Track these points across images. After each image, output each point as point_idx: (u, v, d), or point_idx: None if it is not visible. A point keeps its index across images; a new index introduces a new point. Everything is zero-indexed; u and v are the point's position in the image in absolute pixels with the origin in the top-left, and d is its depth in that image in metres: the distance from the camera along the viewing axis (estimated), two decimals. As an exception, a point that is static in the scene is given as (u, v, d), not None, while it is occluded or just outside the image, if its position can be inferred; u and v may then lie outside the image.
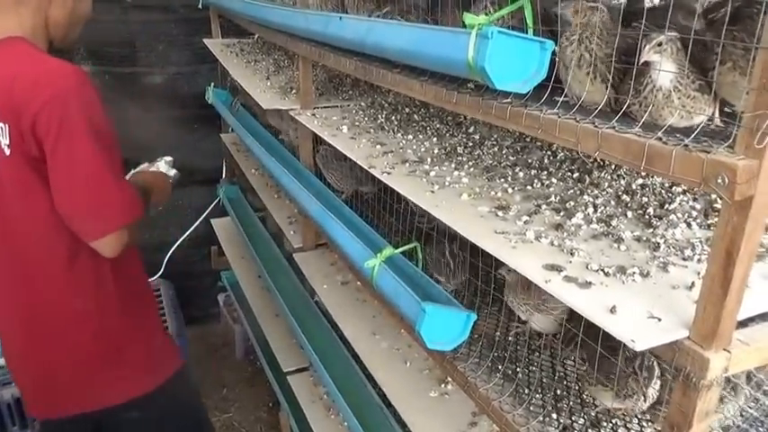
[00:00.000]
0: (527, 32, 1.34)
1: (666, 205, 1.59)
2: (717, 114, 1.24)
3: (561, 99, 1.28)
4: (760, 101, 0.85)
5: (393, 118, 2.53)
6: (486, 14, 1.47)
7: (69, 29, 1.80)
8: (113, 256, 1.68)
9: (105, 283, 1.78)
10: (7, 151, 1.52)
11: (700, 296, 1.01)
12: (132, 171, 2.23)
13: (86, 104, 1.53)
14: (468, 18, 1.20)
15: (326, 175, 2.76)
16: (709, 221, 1.50)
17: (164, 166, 2.29)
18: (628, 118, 1.18)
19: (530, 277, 1.24)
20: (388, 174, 1.87)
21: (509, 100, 1.32)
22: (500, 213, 1.56)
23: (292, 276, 3.22)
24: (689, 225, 1.48)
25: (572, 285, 1.20)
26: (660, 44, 1.17)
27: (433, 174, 1.86)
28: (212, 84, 4.15)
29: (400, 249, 1.89)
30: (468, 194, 1.69)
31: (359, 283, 2.50)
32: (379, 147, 2.14)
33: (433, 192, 1.72)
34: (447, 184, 1.78)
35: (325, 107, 2.77)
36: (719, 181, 0.88)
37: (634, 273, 1.23)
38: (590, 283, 1.21)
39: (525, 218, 1.52)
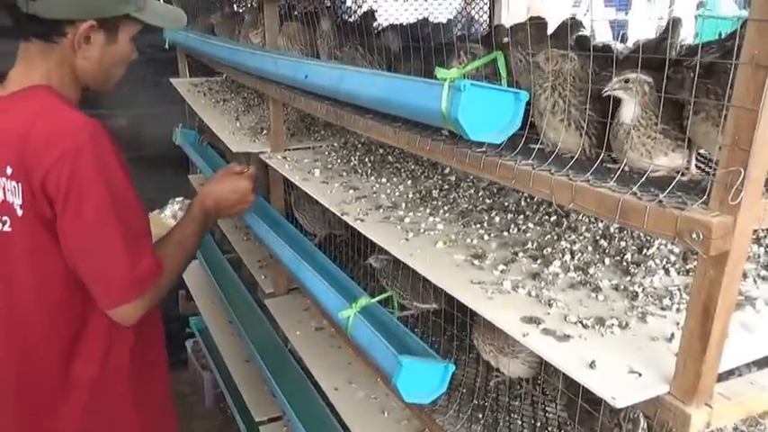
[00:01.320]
0: (501, 83, 1.34)
1: (645, 250, 1.59)
2: (693, 163, 1.25)
3: (537, 147, 1.27)
4: (732, 157, 0.85)
5: (367, 159, 2.51)
6: (460, 63, 1.47)
7: (102, 75, 1.67)
8: (130, 325, 1.57)
9: (117, 353, 1.66)
10: (20, 212, 1.44)
11: (679, 351, 0.99)
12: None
13: (99, 161, 1.44)
14: (441, 72, 1.19)
15: (299, 218, 2.72)
16: (687, 266, 1.50)
17: (172, 210, 2.22)
18: (605, 167, 1.18)
19: (507, 331, 1.22)
20: (362, 221, 1.85)
21: (483, 148, 1.32)
22: (476, 262, 1.54)
23: (264, 322, 3.14)
24: (667, 271, 1.47)
25: (550, 339, 1.18)
26: (627, 81, 1.19)
27: (407, 220, 1.84)
28: (180, 125, 4.11)
29: (376, 299, 1.85)
30: (443, 242, 1.66)
31: (333, 329, 2.45)
32: (352, 192, 2.11)
33: (407, 239, 1.69)
34: (422, 230, 1.75)
35: (296, 149, 2.75)
36: (694, 236, 0.88)
37: (613, 324, 1.21)
38: (568, 336, 1.18)
39: (502, 267, 1.50)
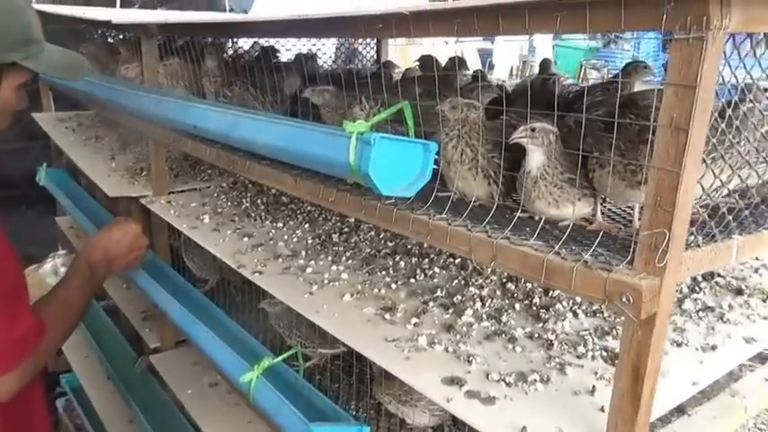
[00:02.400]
0: (408, 134, 1.29)
1: (551, 291, 1.59)
2: (599, 211, 1.26)
3: (450, 198, 1.23)
4: (656, 218, 0.84)
5: (259, 201, 2.38)
6: (362, 110, 1.41)
7: None
8: (4, 401, 1.35)
9: None
10: None
11: (610, 413, 0.97)
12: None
13: None
14: (349, 126, 1.12)
15: (188, 263, 2.53)
16: (594, 308, 1.51)
17: (53, 266, 1.94)
18: (518, 218, 1.16)
19: (430, 396, 1.15)
20: (260, 273, 1.73)
21: (393, 200, 1.26)
22: (387, 316, 1.47)
23: (149, 378, 2.88)
24: (575, 314, 1.48)
25: (475, 402, 1.12)
26: (533, 129, 1.18)
27: (309, 270, 1.74)
28: (45, 163, 3.73)
29: (280, 357, 1.73)
30: (350, 294, 1.58)
31: (229, 385, 2.27)
32: (246, 239, 1.98)
33: (311, 293, 1.59)
34: (326, 282, 1.66)
35: (181, 191, 2.57)
36: (624, 300, 0.86)
37: (535, 380, 1.19)
38: (493, 397, 1.14)
39: (414, 319, 1.44)
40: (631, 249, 0.90)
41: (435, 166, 1.28)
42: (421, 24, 1.09)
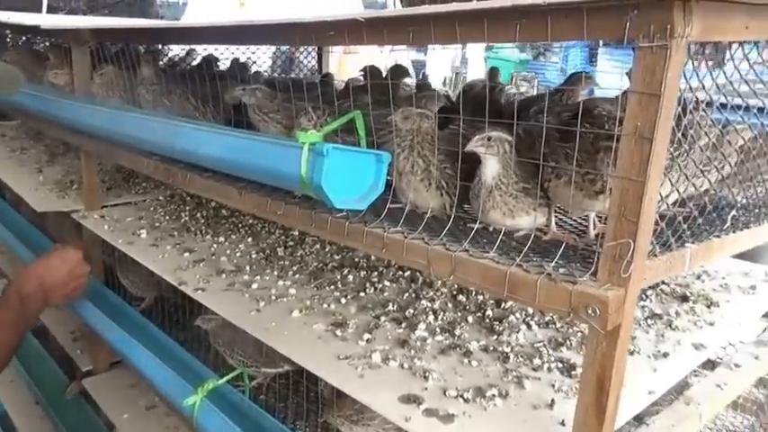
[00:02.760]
0: (359, 145, 1.25)
1: (503, 303, 1.58)
2: (553, 221, 1.25)
3: (404, 211, 1.20)
4: (620, 229, 0.83)
5: (199, 215, 2.29)
6: (310, 121, 1.36)
7: None
8: None
9: None
10: None
11: (574, 426, 0.95)
12: None
13: None
14: (301, 136, 1.07)
15: (122, 281, 2.40)
16: (546, 319, 1.50)
17: None
18: (470, 228, 1.13)
19: (388, 416, 1.11)
20: (203, 291, 1.64)
21: (345, 213, 1.21)
22: (339, 332, 1.41)
23: (82, 402, 2.71)
24: (528, 326, 1.47)
25: (434, 421, 1.09)
26: (489, 138, 1.16)
27: (255, 286, 1.66)
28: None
29: (225, 378, 1.64)
30: (299, 310, 1.52)
31: (168, 407, 2.16)
32: (187, 254, 1.89)
33: (258, 310, 1.53)
34: (273, 298, 1.60)
35: (115, 205, 2.44)
36: (590, 312, 0.84)
37: (493, 395, 1.16)
38: (452, 415, 1.10)
39: (367, 335, 1.39)
40: (594, 260, 0.88)
41: (388, 177, 1.25)
42: (375, 32, 1.05)
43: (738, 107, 1.20)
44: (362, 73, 1.96)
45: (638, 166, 0.80)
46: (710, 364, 1.47)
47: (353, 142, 1.31)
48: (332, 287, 1.68)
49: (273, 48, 3.26)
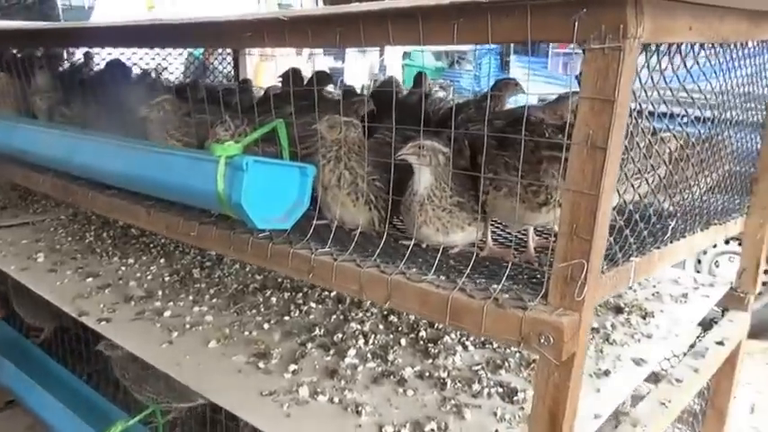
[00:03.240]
0: (282, 156, 1.13)
1: (436, 323, 1.49)
2: (489, 236, 1.17)
3: (332, 228, 1.09)
4: (571, 248, 0.76)
5: (105, 234, 2.09)
6: (226, 131, 1.23)
7: None
8: None
9: None
10: None
11: (525, 465, 0.87)
12: None
13: None
14: (217, 149, 0.94)
15: (17, 310, 2.16)
16: (482, 339, 1.43)
17: None
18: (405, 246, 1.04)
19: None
20: (108, 321, 1.47)
21: (267, 233, 1.09)
22: (261, 364, 1.28)
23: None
24: (464, 346, 1.38)
25: (372, 463, 0.98)
26: (421, 147, 1.08)
27: (167, 314, 1.51)
28: None
29: (135, 419, 1.47)
30: (217, 340, 1.38)
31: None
32: (90, 280, 1.70)
33: (171, 342, 1.37)
34: (188, 327, 1.44)
35: (10, 225, 2.19)
36: (543, 341, 0.76)
37: (433, 430, 1.06)
38: (391, 455, 1.00)
39: (292, 366, 1.27)
40: (544, 282, 0.80)
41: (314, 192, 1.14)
42: (298, 33, 0.94)
43: (664, 115, 1.17)
44: (282, 79, 1.84)
45: (591, 178, 0.73)
46: (653, 376, 1.44)
47: (274, 154, 1.19)
48: (253, 311, 1.55)
49: (185, 53, 3.08)
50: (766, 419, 2.85)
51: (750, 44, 1.23)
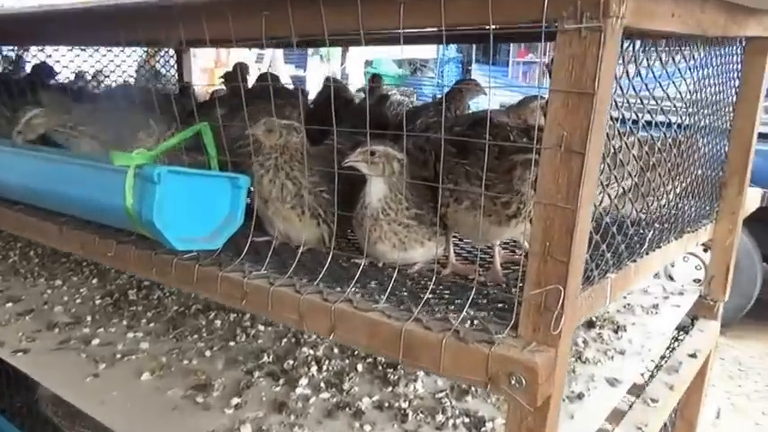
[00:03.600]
0: (210, 165, 0.98)
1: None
2: (452, 252, 1.05)
3: (272, 244, 0.95)
4: (544, 271, 0.63)
5: (32, 253, 1.90)
6: (149, 135, 1.08)
7: None
8: None
9: None
10: None
11: None
12: None
13: None
14: (118, 158, 0.79)
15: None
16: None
17: None
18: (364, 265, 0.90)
19: None
20: (25, 352, 1.30)
21: (195, 253, 0.94)
22: (200, 398, 1.13)
23: None
24: (427, 372, 1.25)
25: None
26: (373, 153, 0.95)
27: (96, 342, 1.35)
28: None
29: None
30: (151, 371, 1.22)
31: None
32: (10, 305, 1.52)
33: (96, 375, 1.21)
34: (119, 356, 1.29)
35: None
36: (514, 383, 0.64)
37: (393, 474, 0.93)
38: None
39: (236, 399, 1.13)
40: (514, 310, 0.68)
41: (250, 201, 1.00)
42: (216, 17, 0.80)
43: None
44: (223, 80, 1.69)
45: (567, 189, 0.60)
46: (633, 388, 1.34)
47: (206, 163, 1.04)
48: (195, 336, 1.40)
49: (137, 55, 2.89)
50: (733, 424, 2.80)
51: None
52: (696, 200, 1.27)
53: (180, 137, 0.93)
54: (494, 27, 0.63)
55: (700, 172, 1.27)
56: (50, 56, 2.31)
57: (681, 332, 1.58)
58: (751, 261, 3.42)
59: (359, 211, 0.99)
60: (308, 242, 1.10)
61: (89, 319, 1.46)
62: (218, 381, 1.20)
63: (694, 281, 3.32)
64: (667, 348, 1.63)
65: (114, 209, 0.82)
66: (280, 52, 8.27)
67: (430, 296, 0.80)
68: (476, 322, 0.71)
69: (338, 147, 1.03)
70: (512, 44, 9.19)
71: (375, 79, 1.98)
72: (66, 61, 2.29)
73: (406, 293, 0.84)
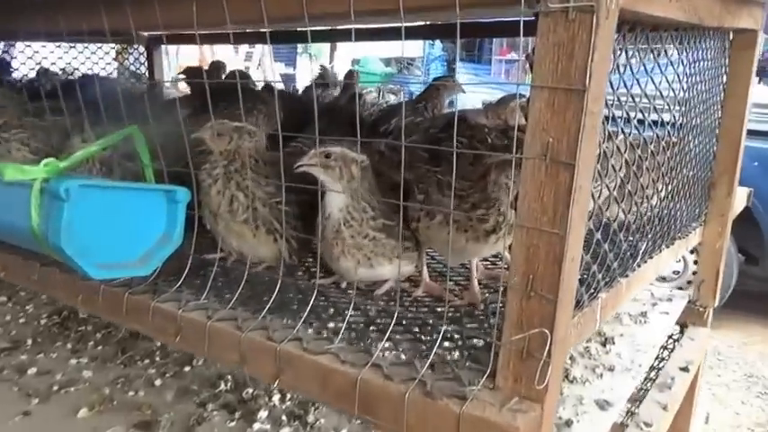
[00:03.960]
0: (144, 176, 0.85)
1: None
2: (425, 270, 0.93)
3: (215, 264, 0.82)
4: (528, 309, 0.52)
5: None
6: (84, 141, 0.95)
7: None
8: None
9: None
10: None
11: None
12: None
13: None
14: (10, 171, 0.66)
15: None
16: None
17: None
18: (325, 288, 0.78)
19: None
20: (-52, 386, 1.16)
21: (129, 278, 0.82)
22: (143, 438, 1.01)
23: None
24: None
25: None
26: (329, 156, 0.82)
27: (32, 371, 1.21)
28: None
29: None
30: (89, 406, 1.09)
31: None
32: (-56, 328, 1.38)
33: (27, 413, 1.08)
34: (56, 388, 1.16)
35: None
36: (490, 448, 0.52)
37: None
38: None
39: (183, 438, 1.00)
40: (491, 356, 0.56)
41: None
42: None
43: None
44: (182, 75, 1.55)
45: (554, 210, 0.48)
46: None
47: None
48: (146, 362, 1.27)
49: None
50: (713, 415, 2.72)
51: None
52: (686, 202, 1.17)
53: (102, 143, 0.79)
54: (468, 19, 0.52)
55: (691, 173, 1.17)
56: (6, 51, 2.17)
57: (669, 339, 1.48)
58: (728, 253, 3.36)
59: (319, 224, 0.87)
60: (264, 260, 0.98)
61: (29, 342, 1.33)
62: (166, 416, 1.07)
63: (674, 272, 3.25)
64: (657, 359, 1.53)
65: (21, 230, 0.69)
66: (269, 50, 8.11)
67: (396, 327, 0.68)
68: (446, 368, 0.59)
69: (305, 151, 0.90)
70: (494, 42, 9.11)
71: (350, 75, 1.85)
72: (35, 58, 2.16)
73: (366, 325, 0.71)
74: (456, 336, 0.67)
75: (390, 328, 0.67)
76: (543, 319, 0.50)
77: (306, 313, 0.70)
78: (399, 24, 0.57)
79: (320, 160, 0.82)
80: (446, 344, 0.64)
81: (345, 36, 1.95)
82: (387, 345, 0.64)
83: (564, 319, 0.50)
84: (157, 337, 0.78)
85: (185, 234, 0.80)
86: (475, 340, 0.64)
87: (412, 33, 1.80)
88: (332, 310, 0.77)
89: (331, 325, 0.70)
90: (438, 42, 9.03)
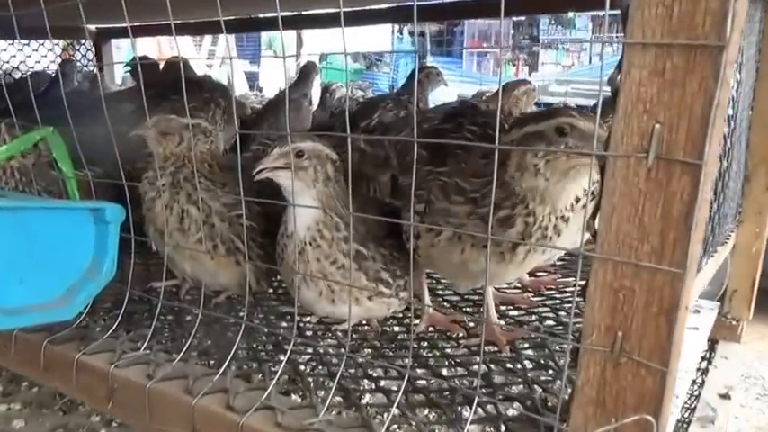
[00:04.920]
0: (67, 191, 0.66)
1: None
2: (427, 299, 0.75)
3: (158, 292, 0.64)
4: (615, 382, 0.35)
5: None
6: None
7: None
8: None
9: None
10: None
11: None
12: None
13: None
14: None
15: None
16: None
17: None
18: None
19: None
20: None
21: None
22: None
23: None
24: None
25: None
26: (301, 154, 0.62)
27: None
28: None
29: None
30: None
31: None
32: None
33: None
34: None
35: None
36: None
37: None
38: None
39: None
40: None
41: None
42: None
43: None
44: (128, 70, 1.36)
45: (661, 235, 0.31)
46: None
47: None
48: (89, 407, 1.07)
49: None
50: None
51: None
52: (728, 204, 1.01)
53: (5, 150, 0.60)
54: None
55: (734, 167, 1.01)
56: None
57: (702, 359, 1.31)
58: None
59: (280, 239, 0.68)
60: (226, 287, 0.80)
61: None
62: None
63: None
64: (693, 383, 1.33)
65: None
66: (233, 43, 7.86)
67: (399, 406, 0.50)
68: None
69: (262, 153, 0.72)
70: (465, 34, 9.01)
71: (308, 69, 1.66)
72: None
73: (357, 381, 0.54)
74: (483, 397, 0.49)
75: (394, 406, 0.49)
76: (642, 399, 0.33)
77: (281, 368, 0.52)
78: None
79: (287, 161, 0.62)
80: (465, 412, 0.46)
81: (312, 22, 1.81)
82: (395, 411, 0.47)
83: (669, 399, 0.33)
84: (85, 400, 0.59)
85: (119, 262, 0.61)
86: (512, 410, 0.46)
87: (380, 16, 1.66)
88: (317, 363, 0.59)
89: (317, 388, 0.52)
90: (407, 36, 8.92)
